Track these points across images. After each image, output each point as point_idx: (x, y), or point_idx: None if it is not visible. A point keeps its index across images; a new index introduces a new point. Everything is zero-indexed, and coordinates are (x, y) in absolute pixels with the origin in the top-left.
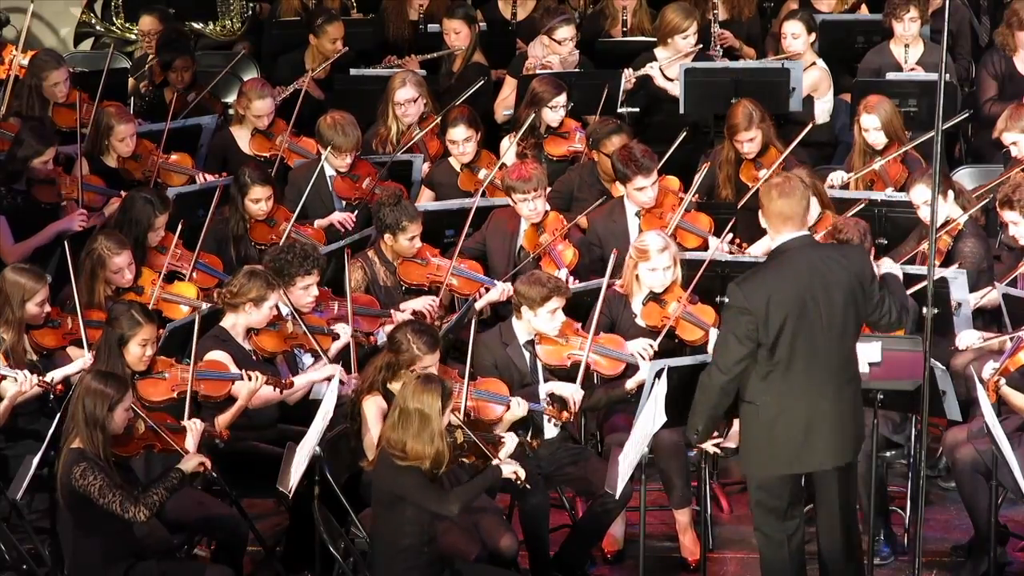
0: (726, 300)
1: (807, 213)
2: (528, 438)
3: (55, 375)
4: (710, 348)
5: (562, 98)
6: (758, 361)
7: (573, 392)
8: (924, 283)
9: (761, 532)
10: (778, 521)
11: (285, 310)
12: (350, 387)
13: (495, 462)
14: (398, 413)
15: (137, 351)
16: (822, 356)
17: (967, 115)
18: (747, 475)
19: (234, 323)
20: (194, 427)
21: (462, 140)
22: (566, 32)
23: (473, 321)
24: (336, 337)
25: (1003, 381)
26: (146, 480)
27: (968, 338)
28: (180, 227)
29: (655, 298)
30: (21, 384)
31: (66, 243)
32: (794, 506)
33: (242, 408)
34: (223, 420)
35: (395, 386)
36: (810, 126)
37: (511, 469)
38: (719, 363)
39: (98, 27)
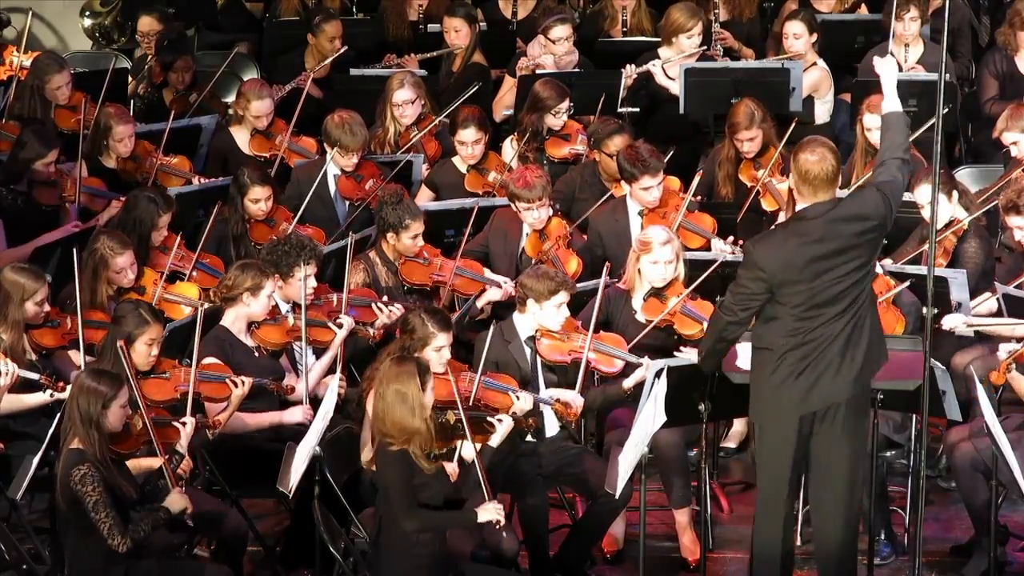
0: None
1: (838, 177)
2: (526, 418)
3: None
4: None
5: (565, 104)
6: (768, 309)
7: (574, 398)
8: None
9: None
10: (784, 479)
11: (284, 307)
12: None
13: (475, 509)
14: (378, 397)
15: (143, 350)
16: (833, 304)
17: (947, 110)
18: (758, 426)
19: (234, 318)
20: (187, 426)
21: (471, 142)
22: (561, 31)
23: (487, 320)
24: (339, 327)
25: (1015, 367)
26: (144, 481)
27: (953, 320)
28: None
29: (656, 293)
30: (5, 375)
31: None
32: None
33: (231, 412)
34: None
35: None
36: (796, 121)
37: (488, 517)
38: (727, 303)
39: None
